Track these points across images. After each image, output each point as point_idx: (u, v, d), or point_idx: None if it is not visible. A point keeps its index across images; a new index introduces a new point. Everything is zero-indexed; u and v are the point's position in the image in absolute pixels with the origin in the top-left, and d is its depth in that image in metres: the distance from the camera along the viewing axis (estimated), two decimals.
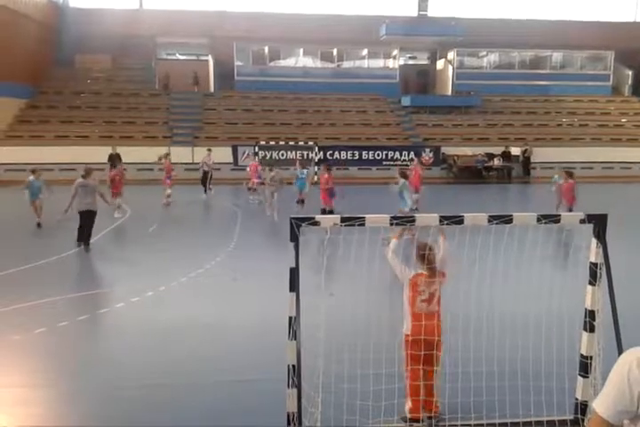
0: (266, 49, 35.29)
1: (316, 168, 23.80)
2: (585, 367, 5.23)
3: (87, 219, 12.98)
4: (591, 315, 5.15)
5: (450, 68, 36.33)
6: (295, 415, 4.77)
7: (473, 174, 29.55)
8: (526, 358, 5.92)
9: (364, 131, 31.95)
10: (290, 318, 4.74)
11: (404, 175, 14.56)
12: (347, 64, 36.48)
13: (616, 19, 39.70)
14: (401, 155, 29.93)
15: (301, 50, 35.87)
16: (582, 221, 5.07)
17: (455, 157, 30.15)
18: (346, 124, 32.25)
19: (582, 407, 5.29)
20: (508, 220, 4.93)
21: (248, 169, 22.07)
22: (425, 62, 39.93)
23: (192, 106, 32.61)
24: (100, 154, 25.01)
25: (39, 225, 15.38)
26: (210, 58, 35.66)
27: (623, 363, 2.32)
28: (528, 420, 5.31)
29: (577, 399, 5.35)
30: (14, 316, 8.62)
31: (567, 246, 10.90)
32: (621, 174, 29.69)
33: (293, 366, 4.74)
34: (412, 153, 29.46)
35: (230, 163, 28.25)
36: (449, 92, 36.14)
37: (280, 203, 17.33)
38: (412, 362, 5.41)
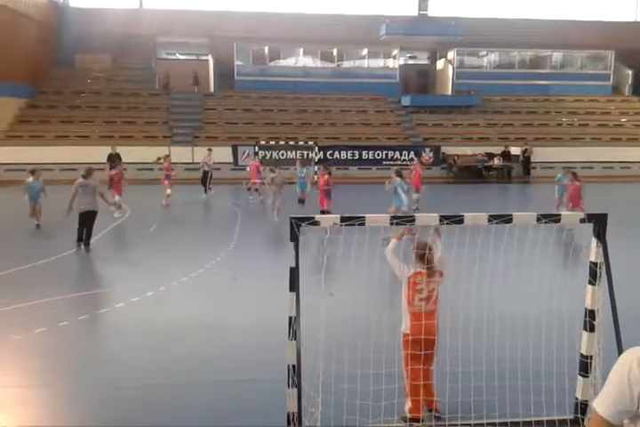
0: (266, 49, 35.31)
1: (315, 168, 23.77)
2: (585, 367, 5.23)
3: (88, 219, 12.97)
4: (591, 314, 5.15)
5: (450, 67, 36.34)
6: (295, 415, 4.77)
7: (473, 174, 29.55)
8: (526, 358, 5.91)
9: (364, 130, 31.96)
10: (290, 318, 4.74)
11: (400, 174, 14.56)
12: (347, 64, 36.49)
13: (616, 18, 39.71)
14: (401, 154, 29.93)
15: (301, 50, 35.89)
16: (582, 221, 5.07)
17: (455, 157, 30.15)
18: (346, 124, 32.25)
19: (582, 407, 5.29)
20: (507, 219, 4.93)
21: (248, 169, 22.04)
22: (425, 62, 39.94)
23: (192, 106, 32.62)
24: (100, 154, 25.00)
25: (38, 226, 15.35)
26: (210, 58, 35.67)
27: (623, 363, 2.32)
28: (528, 419, 5.31)
29: (577, 399, 5.35)
30: (14, 315, 8.62)
31: (567, 246, 10.91)
32: (621, 174, 29.70)
33: (293, 365, 4.74)
34: (411, 153, 29.46)
35: (230, 163, 28.25)
36: (449, 92, 36.15)
37: (281, 203, 17.29)
38: (413, 362, 5.41)
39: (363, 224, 4.80)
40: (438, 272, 5.58)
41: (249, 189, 21.50)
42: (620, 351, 4.35)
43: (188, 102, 32.83)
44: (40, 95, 32.01)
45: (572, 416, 5.39)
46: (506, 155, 30.27)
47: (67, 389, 6.41)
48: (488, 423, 5.27)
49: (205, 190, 22.37)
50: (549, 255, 8.25)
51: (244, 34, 34.03)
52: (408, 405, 5.53)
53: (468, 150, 30.47)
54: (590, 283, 5.17)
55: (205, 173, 22.52)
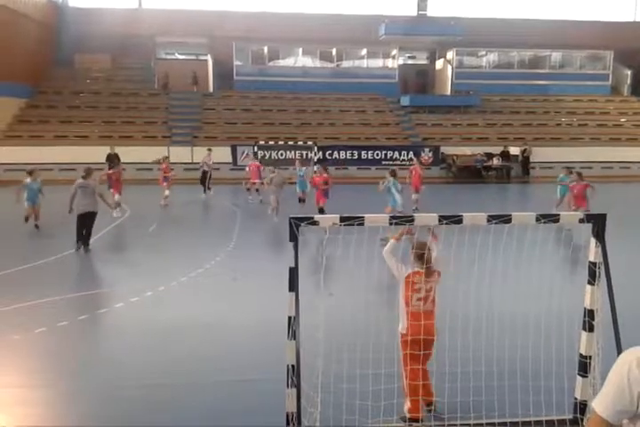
0: (265, 49, 35.31)
1: (315, 167, 23.75)
2: (584, 367, 5.24)
3: (87, 220, 12.91)
4: (590, 314, 5.15)
5: (449, 67, 36.35)
6: (294, 415, 4.78)
7: (472, 174, 29.56)
8: (525, 358, 5.92)
9: (363, 130, 31.96)
10: (289, 318, 4.75)
11: (394, 174, 14.57)
12: (346, 64, 36.50)
13: (615, 18, 39.75)
14: (400, 154, 29.94)
15: (300, 50, 35.90)
16: (581, 221, 5.08)
17: (454, 157, 30.16)
18: (345, 124, 32.26)
19: (581, 407, 5.29)
20: (507, 219, 4.94)
21: (247, 169, 22.00)
22: (424, 62, 39.94)
23: (191, 106, 32.62)
24: (99, 154, 25.00)
25: (37, 227, 15.30)
26: (209, 57, 35.67)
27: (623, 363, 2.32)
28: (527, 419, 5.32)
29: (576, 399, 5.35)
30: (14, 316, 8.62)
31: (566, 246, 10.92)
32: (620, 174, 29.71)
33: (293, 365, 4.74)
34: (411, 153, 29.48)
35: (229, 163, 28.25)
36: (448, 92, 36.16)
37: (280, 203, 17.29)
38: (412, 362, 5.42)
39: (362, 224, 4.81)
40: (436, 272, 5.59)
41: (248, 190, 21.48)
42: (620, 351, 4.36)
43: (188, 102, 32.83)
44: (39, 95, 32.01)
45: (571, 416, 5.40)
46: (505, 155, 30.29)
47: (66, 389, 6.41)
48: (487, 423, 5.28)
49: (205, 190, 22.37)
50: (548, 255, 8.26)
51: (243, 34, 34.03)
52: (407, 405, 5.54)
53: (467, 150, 30.48)
54: (589, 283, 5.17)
55: (205, 173, 22.53)
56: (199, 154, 26.01)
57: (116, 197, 17.34)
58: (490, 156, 30.08)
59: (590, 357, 5.18)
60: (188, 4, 37.25)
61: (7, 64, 28.05)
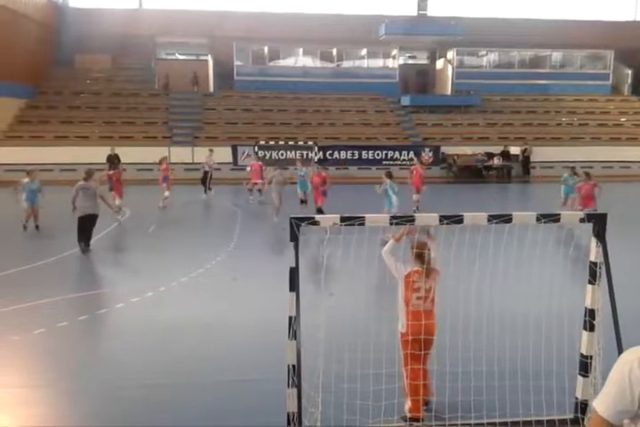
0: (265, 49, 35.31)
1: (316, 168, 23.70)
2: (585, 367, 5.23)
3: (87, 222, 12.87)
4: (591, 314, 5.15)
5: (449, 67, 36.34)
6: (295, 415, 4.77)
7: (473, 174, 29.55)
8: (526, 358, 5.91)
9: (363, 130, 31.96)
10: (290, 318, 4.74)
11: (390, 176, 14.46)
12: (346, 64, 36.50)
13: (615, 18, 39.73)
14: (401, 154, 29.94)
15: (301, 50, 35.89)
16: (582, 220, 5.07)
17: (455, 157, 30.15)
18: (345, 124, 32.26)
19: (582, 407, 5.29)
20: (507, 219, 4.93)
21: (249, 168, 21.89)
22: (424, 62, 39.93)
23: (192, 106, 32.62)
24: (99, 154, 25.01)
25: (25, 228, 15.13)
26: (209, 58, 35.67)
27: (624, 362, 2.31)
28: (528, 419, 5.31)
29: (577, 399, 5.35)
30: (14, 316, 8.62)
31: (567, 245, 10.90)
32: (621, 173, 29.69)
33: (293, 365, 4.73)
34: (411, 153, 29.47)
35: (230, 163, 28.24)
36: (448, 92, 36.15)
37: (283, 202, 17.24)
38: (413, 361, 5.41)
39: (362, 224, 4.80)
40: (435, 271, 5.59)
41: (250, 190, 21.30)
42: (620, 351, 4.35)
43: (188, 102, 32.83)
44: (40, 96, 32.01)
45: (572, 416, 5.40)
46: (505, 154, 30.28)
47: (67, 389, 6.41)
48: (488, 423, 5.27)
49: (205, 190, 22.36)
50: (549, 255, 8.25)
51: (243, 34, 34.03)
52: (408, 404, 5.53)
53: (467, 150, 30.47)
54: (590, 282, 5.17)
55: (206, 173, 22.51)
56: (200, 154, 26.01)
57: (117, 201, 17.19)
58: (490, 155, 30.07)
59: (591, 356, 5.18)
60: (188, 5, 37.30)
61: (7, 64, 28.06)
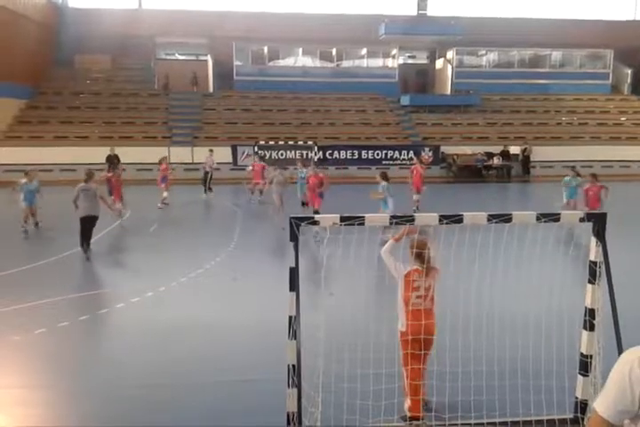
0: (265, 49, 35.30)
1: (312, 168, 23.61)
2: (585, 366, 5.23)
3: (87, 224, 12.86)
4: (591, 313, 5.15)
5: (449, 67, 36.33)
6: (295, 415, 4.77)
7: (472, 173, 29.55)
8: (526, 357, 5.91)
9: (363, 130, 31.95)
10: (290, 318, 4.74)
11: (385, 177, 14.09)
12: (346, 63, 36.48)
13: (615, 17, 39.71)
14: (400, 154, 29.94)
15: (300, 49, 35.88)
16: (582, 220, 5.07)
17: (455, 156, 30.15)
18: (345, 124, 32.25)
19: (582, 406, 5.29)
20: (507, 219, 4.93)
21: (251, 168, 21.83)
22: (424, 61, 39.92)
23: (191, 106, 32.61)
24: (99, 154, 24.99)
25: (37, 225, 15.25)
26: (209, 58, 35.66)
27: (624, 362, 2.30)
28: (528, 419, 5.31)
29: (577, 398, 5.35)
30: (14, 316, 8.62)
31: (567, 245, 10.90)
32: (621, 173, 29.67)
33: (293, 365, 4.73)
34: (411, 152, 29.47)
35: (230, 163, 28.24)
36: (448, 92, 36.14)
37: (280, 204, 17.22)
38: (413, 361, 5.41)
39: (362, 224, 4.80)
40: (435, 270, 5.60)
41: (251, 191, 21.20)
42: (620, 351, 4.35)
43: (188, 102, 32.82)
44: (39, 96, 32.00)
45: (571, 415, 5.40)
46: (505, 154, 30.27)
47: (67, 389, 6.41)
48: (488, 423, 5.27)
49: (205, 190, 22.34)
50: (549, 254, 8.25)
51: (243, 34, 34.02)
52: (407, 403, 5.53)
53: (467, 150, 30.47)
54: (590, 282, 5.17)
55: (206, 173, 22.49)
56: (199, 154, 26.00)
57: (118, 204, 17.05)
58: (490, 155, 30.07)
59: (591, 356, 5.18)
60: (187, 5, 37.24)
61: (7, 65, 28.05)
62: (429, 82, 38.62)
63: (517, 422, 5.31)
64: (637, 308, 7.71)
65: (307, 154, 28.41)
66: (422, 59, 40.19)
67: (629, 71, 37.76)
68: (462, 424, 5.26)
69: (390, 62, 36.83)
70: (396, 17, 36.52)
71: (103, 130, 29.80)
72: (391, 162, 29.32)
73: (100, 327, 8.77)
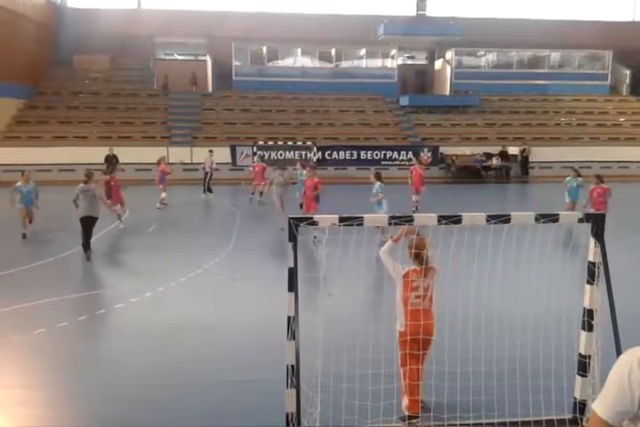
0: (264, 49, 35.29)
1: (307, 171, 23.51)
2: (583, 366, 5.24)
3: (86, 224, 12.85)
4: (589, 314, 5.16)
5: (448, 67, 36.35)
6: (294, 415, 4.78)
7: (471, 174, 29.56)
8: (525, 358, 5.93)
9: (362, 131, 31.95)
10: (289, 318, 4.75)
11: (379, 177, 14.00)
12: (345, 64, 36.49)
13: (614, 18, 39.74)
14: (399, 155, 29.93)
15: (299, 50, 35.87)
16: (580, 221, 5.08)
17: (453, 157, 30.16)
18: (344, 124, 32.24)
19: (581, 406, 5.30)
20: (506, 219, 4.94)
21: (251, 169, 21.77)
22: (423, 62, 39.93)
23: (190, 106, 32.59)
24: (98, 154, 24.97)
25: (24, 236, 14.59)
26: (208, 58, 35.65)
27: (624, 363, 2.30)
28: (527, 419, 5.32)
29: (575, 398, 5.36)
30: (13, 317, 8.62)
31: (566, 245, 10.92)
32: (619, 173, 29.65)
33: (292, 366, 4.74)
34: (410, 153, 29.46)
35: (229, 163, 28.22)
36: (447, 92, 36.15)
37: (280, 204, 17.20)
38: (412, 361, 5.42)
39: (361, 224, 4.81)
40: (433, 269, 5.61)
41: (253, 194, 21.08)
42: (619, 351, 4.37)
43: (187, 103, 32.81)
44: (38, 96, 31.97)
45: (570, 416, 5.41)
46: (504, 155, 30.28)
47: (67, 389, 6.42)
48: (487, 423, 5.28)
49: (204, 191, 22.32)
50: (547, 255, 8.27)
51: (242, 34, 34.02)
52: (405, 402, 5.54)
53: (466, 150, 30.47)
54: (588, 282, 5.18)
55: (206, 174, 22.47)
56: (198, 154, 25.98)
57: (117, 207, 16.91)
58: (489, 156, 30.07)
59: (589, 356, 5.19)
60: (187, 5, 37.20)
61: (6, 65, 28.02)
62: (428, 82, 38.63)
63: (516, 423, 5.32)
64: (636, 308, 7.73)
65: (305, 154, 28.41)
66: (421, 59, 40.21)
67: (628, 72, 37.79)
68: (461, 425, 5.27)
69: (389, 63, 36.83)
70: (395, 17, 36.53)
71: (102, 130, 29.77)
72: (390, 162, 29.33)
73: (100, 327, 8.78)
